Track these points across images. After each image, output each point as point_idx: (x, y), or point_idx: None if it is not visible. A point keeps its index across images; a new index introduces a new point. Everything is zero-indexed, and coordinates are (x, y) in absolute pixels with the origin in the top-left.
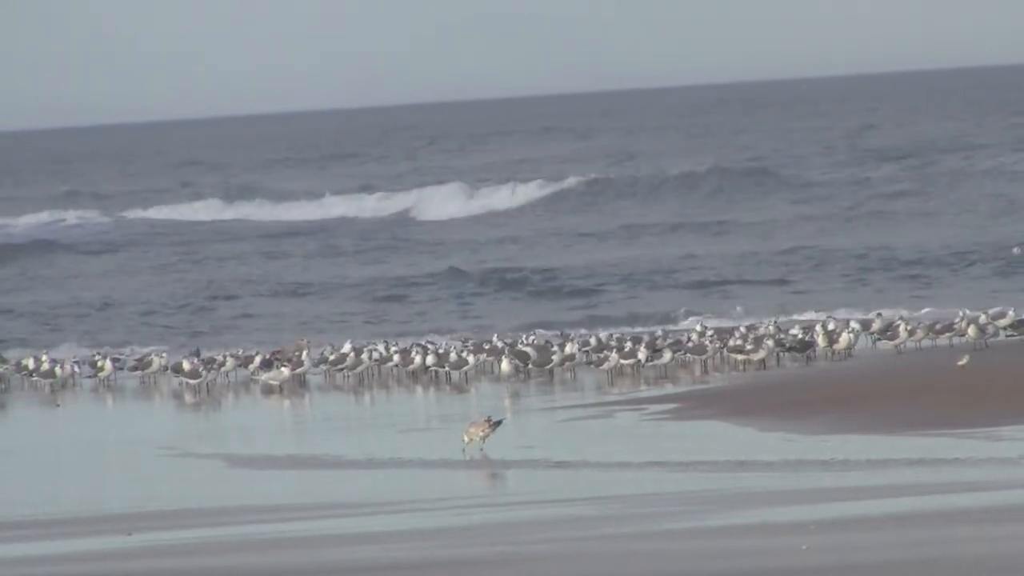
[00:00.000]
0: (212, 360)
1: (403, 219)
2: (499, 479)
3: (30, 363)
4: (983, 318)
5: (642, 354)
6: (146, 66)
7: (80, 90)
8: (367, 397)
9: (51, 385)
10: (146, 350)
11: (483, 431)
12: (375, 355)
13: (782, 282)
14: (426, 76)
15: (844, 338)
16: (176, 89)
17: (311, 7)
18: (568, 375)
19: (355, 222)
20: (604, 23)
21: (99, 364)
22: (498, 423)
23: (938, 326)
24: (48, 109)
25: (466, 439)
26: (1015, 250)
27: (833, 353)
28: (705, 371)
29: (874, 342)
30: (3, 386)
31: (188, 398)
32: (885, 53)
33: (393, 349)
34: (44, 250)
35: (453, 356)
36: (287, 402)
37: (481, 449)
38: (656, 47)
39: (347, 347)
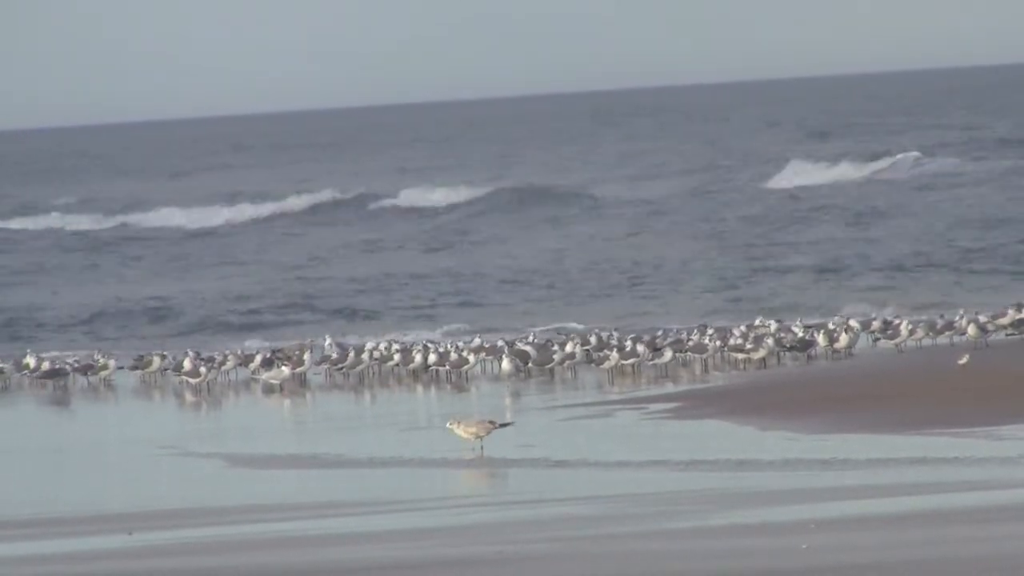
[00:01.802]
0: (212, 359)
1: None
2: (499, 479)
3: (31, 363)
4: (983, 317)
5: (643, 353)
6: (146, 66)
7: (80, 90)
8: (368, 396)
9: (52, 385)
10: None
11: (485, 431)
12: (376, 354)
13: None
14: (426, 76)
15: (844, 337)
16: (176, 89)
17: (311, 7)
18: (568, 374)
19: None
20: (604, 23)
21: (100, 363)
22: (503, 426)
23: (939, 325)
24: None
25: (460, 432)
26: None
27: (833, 352)
28: (705, 370)
29: (874, 341)
30: (2, 385)
31: (188, 397)
32: (885, 53)
33: (394, 348)
34: None
35: (454, 355)
36: (287, 401)
37: (482, 448)
38: (656, 47)
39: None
